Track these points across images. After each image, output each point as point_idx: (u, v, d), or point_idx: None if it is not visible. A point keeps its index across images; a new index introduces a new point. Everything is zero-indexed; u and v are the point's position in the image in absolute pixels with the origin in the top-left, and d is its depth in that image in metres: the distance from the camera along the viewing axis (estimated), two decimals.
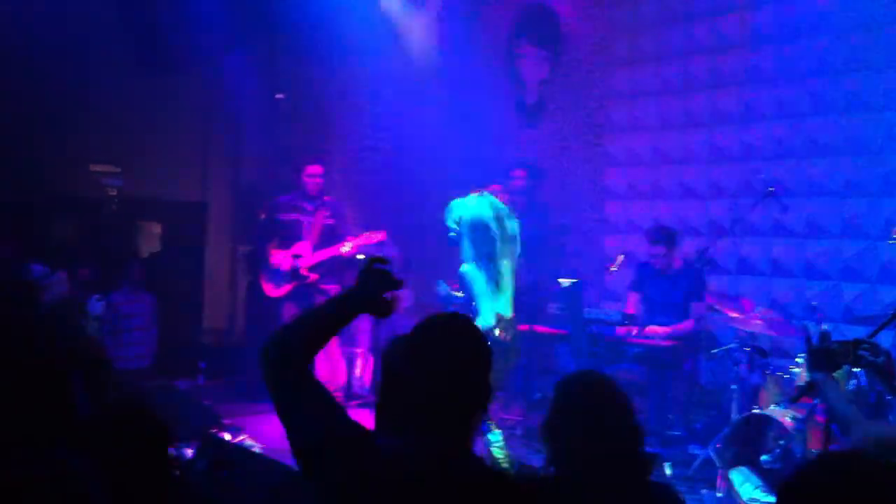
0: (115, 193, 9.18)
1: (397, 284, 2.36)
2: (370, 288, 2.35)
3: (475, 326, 2.34)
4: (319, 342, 2.36)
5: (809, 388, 3.51)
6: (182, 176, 9.64)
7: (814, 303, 5.57)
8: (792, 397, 4.11)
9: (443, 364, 2.19)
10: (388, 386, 2.64)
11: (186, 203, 9.71)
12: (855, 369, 4.59)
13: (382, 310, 2.38)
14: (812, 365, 3.02)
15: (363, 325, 8.39)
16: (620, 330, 6.51)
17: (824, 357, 3.00)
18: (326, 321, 2.37)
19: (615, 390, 2.58)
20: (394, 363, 2.57)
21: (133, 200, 9.14)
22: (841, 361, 3.07)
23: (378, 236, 7.34)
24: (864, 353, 3.02)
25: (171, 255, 9.43)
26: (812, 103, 6.63)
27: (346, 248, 7.22)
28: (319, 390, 2.28)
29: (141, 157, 8.86)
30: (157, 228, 9.79)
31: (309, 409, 2.25)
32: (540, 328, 6.87)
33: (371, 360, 8.21)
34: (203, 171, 9.89)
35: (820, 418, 4.97)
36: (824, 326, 5.21)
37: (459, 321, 2.31)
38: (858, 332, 5.82)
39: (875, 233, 6.22)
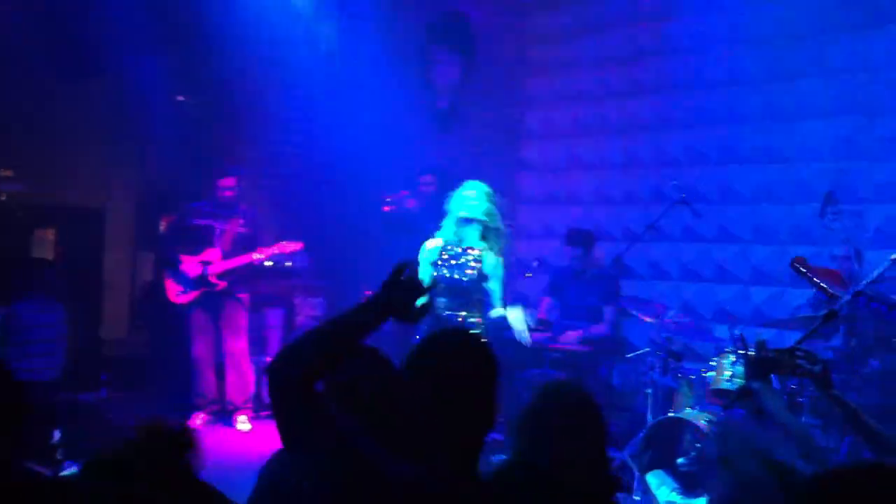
0: (3, 198, 8.79)
1: (425, 291, 2.26)
2: (401, 295, 2.21)
3: (485, 342, 2.27)
4: (340, 355, 2.19)
5: (744, 395, 3.52)
6: (80, 180, 9.28)
7: (728, 308, 5.64)
8: (726, 404, 4.13)
9: (454, 382, 2.10)
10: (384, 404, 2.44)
11: (84, 208, 9.34)
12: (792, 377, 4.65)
13: (413, 317, 2.23)
14: (750, 374, 3.01)
15: (272, 334, 8.20)
16: (536, 336, 6.49)
17: (762, 366, 3.00)
18: (351, 330, 2.19)
19: (595, 410, 2.53)
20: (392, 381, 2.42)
21: (28, 205, 8.75)
22: (778, 370, 3.07)
23: (294, 246, 7.18)
24: (802, 361, 3.02)
25: (68, 263, 9.05)
26: (724, 112, 6.76)
27: (259, 256, 7.04)
28: (328, 412, 2.16)
29: (37, 160, 8.48)
30: (51, 235, 9.40)
31: (319, 436, 2.10)
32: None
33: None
34: (102, 175, 9.54)
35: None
36: (737, 331, 5.29)
37: (469, 337, 2.27)
38: (768, 334, 5.97)
39: (784, 238, 6.36)
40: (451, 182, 8.04)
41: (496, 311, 5.33)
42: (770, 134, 6.50)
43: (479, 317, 5.29)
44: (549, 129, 7.88)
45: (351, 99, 8.92)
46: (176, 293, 7.20)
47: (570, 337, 6.40)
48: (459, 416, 2.11)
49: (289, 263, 8.05)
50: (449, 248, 5.26)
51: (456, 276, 5.26)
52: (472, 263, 5.28)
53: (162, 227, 9.21)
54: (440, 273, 5.25)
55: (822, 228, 5.87)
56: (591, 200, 7.53)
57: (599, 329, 6.35)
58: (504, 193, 8.08)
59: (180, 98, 9.38)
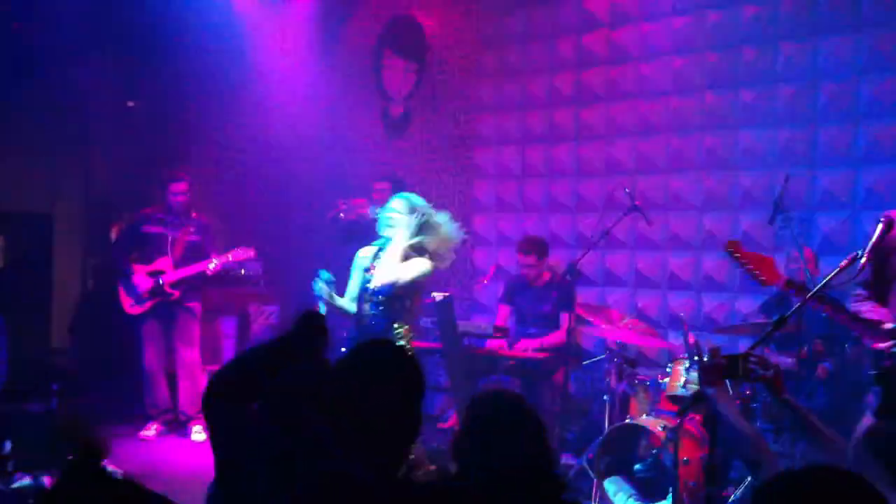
0: None
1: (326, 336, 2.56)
2: (304, 339, 2.52)
3: (408, 353, 2.34)
4: (258, 385, 2.44)
5: (698, 400, 3.58)
6: (27, 186, 9.11)
7: (681, 314, 5.74)
8: (679, 410, 4.19)
9: (375, 394, 2.12)
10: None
11: (31, 214, 9.17)
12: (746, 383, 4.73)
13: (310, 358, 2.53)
14: (704, 379, 3.05)
15: (226, 343, 8.14)
16: (492, 343, 6.55)
17: (715, 371, 3.04)
18: (264, 363, 2.48)
19: (527, 410, 2.51)
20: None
21: None
22: (731, 375, 3.12)
23: (246, 253, 7.13)
24: (754, 367, 3.08)
25: (15, 270, 8.87)
26: (672, 119, 6.86)
27: (212, 265, 6.98)
28: (265, 432, 2.28)
29: None
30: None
31: (252, 461, 2.22)
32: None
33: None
34: (51, 181, 9.37)
35: (689, 426, 5.13)
36: (691, 334, 5.39)
37: (392, 348, 2.33)
38: (719, 340, 6.09)
39: None
40: (405, 189, 8.09)
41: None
42: (715, 142, 6.62)
43: (406, 326, 5.22)
44: (501, 136, 7.92)
45: (303, 105, 8.90)
46: (130, 304, 7.12)
47: (527, 344, 6.46)
48: (381, 427, 2.17)
49: (242, 271, 8.00)
50: (380, 255, 5.18)
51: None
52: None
53: (112, 233, 9.08)
54: (369, 281, 5.14)
55: (771, 236, 6.02)
56: (544, 208, 7.60)
57: (556, 336, 6.41)
58: (458, 201, 8.17)
59: (130, 104, 9.27)
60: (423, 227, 5.09)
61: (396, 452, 2.16)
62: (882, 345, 3.55)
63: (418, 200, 5.16)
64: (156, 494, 2.06)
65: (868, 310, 3.86)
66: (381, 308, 5.10)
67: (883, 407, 3.61)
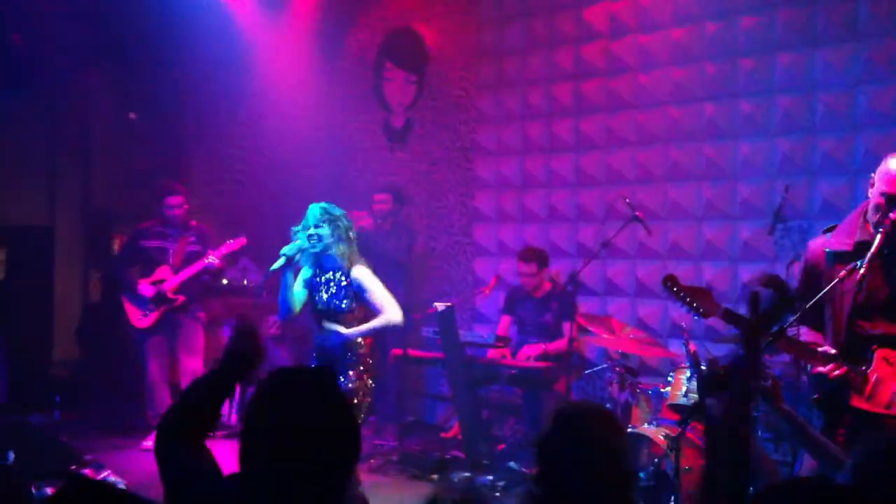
0: None
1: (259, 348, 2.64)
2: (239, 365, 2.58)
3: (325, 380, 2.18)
4: (210, 413, 2.50)
5: (698, 411, 3.62)
6: (27, 199, 9.14)
7: (682, 323, 5.76)
8: (680, 419, 4.22)
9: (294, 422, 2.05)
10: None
11: (31, 227, 9.20)
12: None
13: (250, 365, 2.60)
14: (704, 391, 3.09)
15: None
16: (494, 353, 6.58)
17: (714, 382, 3.08)
18: (211, 388, 2.54)
19: (622, 432, 2.58)
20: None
21: None
22: (730, 386, 3.15)
23: (239, 242, 7.20)
24: None
25: (17, 283, 8.89)
26: (671, 130, 6.90)
27: (210, 259, 7.03)
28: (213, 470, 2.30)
29: None
30: (1, 254, 9.24)
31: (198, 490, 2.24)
32: (413, 352, 6.85)
33: (238, 389, 7.95)
34: (50, 193, 9.41)
35: (692, 435, 5.16)
36: (692, 343, 5.42)
37: (307, 376, 2.17)
38: (720, 349, 6.12)
39: (733, 254, 6.53)
40: (404, 200, 8.15)
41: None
42: (714, 152, 6.66)
43: (367, 338, 5.12)
44: (501, 146, 7.97)
45: (304, 116, 8.95)
46: (138, 317, 7.16)
47: (529, 350, 6.49)
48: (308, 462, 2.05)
49: (245, 282, 8.03)
50: (323, 273, 5.02)
51: (323, 298, 5.01)
52: (332, 285, 5.00)
53: (115, 245, 9.12)
54: (315, 296, 5.03)
55: (771, 245, 6.06)
56: (545, 218, 7.63)
57: (559, 345, 6.43)
58: (459, 212, 8.22)
59: (131, 116, 9.31)
60: (348, 235, 4.98)
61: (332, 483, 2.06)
62: (822, 368, 3.57)
63: (336, 210, 5.03)
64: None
65: (804, 333, 3.90)
66: (336, 322, 4.97)
67: (826, 429, 3.64)
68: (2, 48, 7.92)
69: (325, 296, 5.00)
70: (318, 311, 5.05)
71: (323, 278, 5.02)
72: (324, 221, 4.94)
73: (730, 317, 3.62)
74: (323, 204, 5.02)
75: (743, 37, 6.55)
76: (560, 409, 2.62)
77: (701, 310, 3.65)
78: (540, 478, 2.48)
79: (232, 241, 7.15)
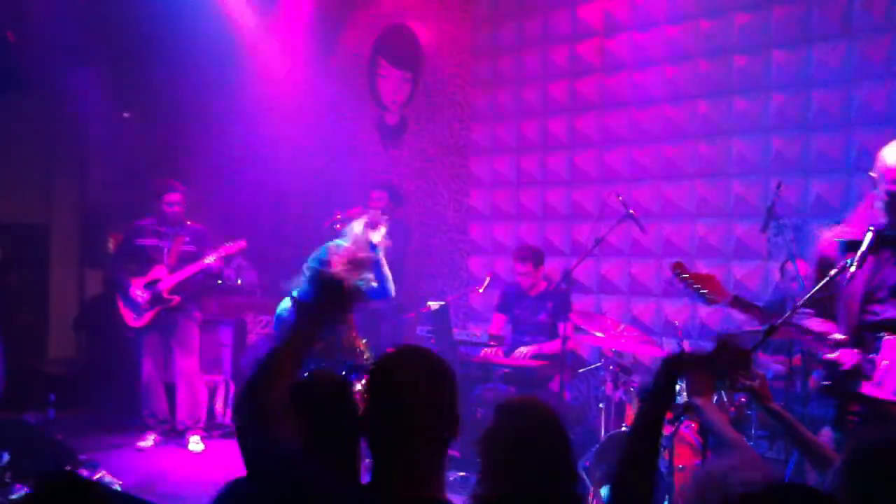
0: None
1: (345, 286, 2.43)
2: (326, 296, 2.41)
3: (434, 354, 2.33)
4: (291, 375, 2.34)
5: (687, 410, 3.61)
6: (22, 197, 9.14)
7: (676, 322, 5.77)
8: (672, 418, 4.22)
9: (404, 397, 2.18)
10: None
11: (27, 225, 9.20)
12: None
13: (344, 311, 2.48)
14: (691, 390, 3.08)
15: (224, 352, 8.15)
16: (487, 351, 6.57)
17: (703, 382, 3.06)
18: (294, 348, 2.35)
19: (561, 426, 2.53)
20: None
21: None
22: (718, 385, 3.15)
23: (238, 245, 7.19)
24: (740, 376, 3.11)
25: (12, 281, 8.90)
26: (665, 127, 6.90)
27: (209, 259, 7.01)
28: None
29: None
30: None
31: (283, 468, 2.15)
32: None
33: (233, 388, 7.97)
34: (46, 191, 9.41)
35: (685, 433, 5.16)
36: (686, 344, 5.43)
37: (418, 352, 2.32)
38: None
39: (727, 253, 6.53)
40: (400, 197, 8.14)
41: None
42: (708, 150, 6.66)
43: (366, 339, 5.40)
44: (496, 144, 7.96)
45: (298, 115, 8.94)
46: (132, 318, 7.13)
47: (523, 353, 6.48)
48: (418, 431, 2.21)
49: (239, 281, 8.03)
50: None
51: None
52: None
53: (110, 244, 9.11)
54: None
55: (765, 243, 6.05)
56: (539, 215, 7.63)
57: (553, 345, 6.42)
58: (454, 209, 8.21)
59: (126, 115, 9.29)
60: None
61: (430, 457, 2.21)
62: (832, 355, 3.59)
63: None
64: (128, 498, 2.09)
65: (815, 324, 3.91)
66: None
67: (837, 419, 3.65)
68: (1, 54, 7.90)
69: None
70: None
71: None
72: None
73: (739, 303, 3.62)
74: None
75: (737, 34, 6.54)
76: (500, 404, 2.63)
77: (709, 296, 3.65)
78: (482, 476, 2.48)
79: (231, 243, 7.13)
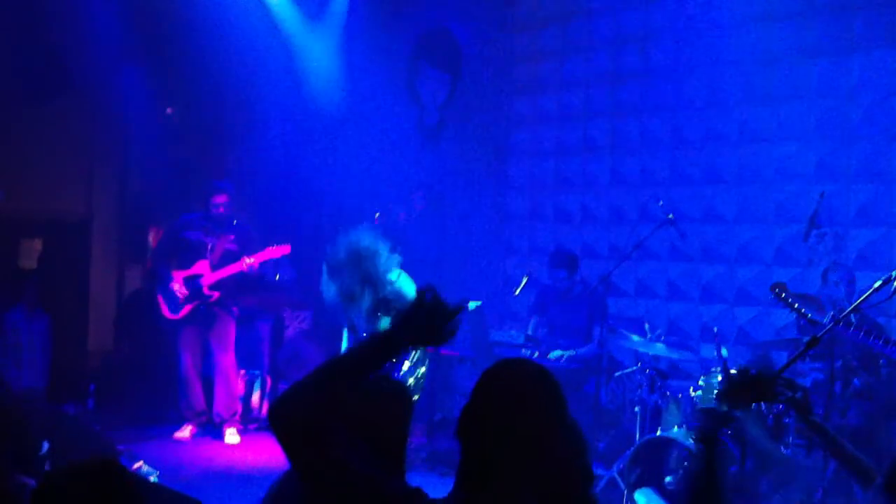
0: None
1: (454, 312, 2.13)
2: (427, 321, 2.11)
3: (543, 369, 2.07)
4: (346, 391, 2.09)
5: (726, 420, 3.60)
6: (65, 191, 9.27)
7: (714, 327, 5.74)
8: (710, 430, 4.20)
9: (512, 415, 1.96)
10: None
11: (69, 219, 9.33)
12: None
13: (443, 340, 2.15)
14: (732, 402, 3.06)
15: (260, 347, 8.22)
16: (523, 353, 6.58)
17: (744, 394, 3.05)
18: (365, 367, 2.12)
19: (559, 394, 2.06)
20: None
21: (13, 216, 8.72)
22: (759, 398, 3.14)
23: (282, 250, 7.22)
24: (782, 388, 3.10)
25: (53, 273, 9.03)
26: (706, 133, 6.87)
27: (249, 261, 7.07)
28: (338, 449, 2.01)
29: (22, 171, 8.47)
30: (37, 245, 9.39)
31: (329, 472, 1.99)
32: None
33: (269, 382, 8.04)
34: (88, 186, 9.53)
35: (723, 441, 5.14)
36: (724, 352, 5.39)
37: (528, 366, 2.09)
38: (752, 354, 6.08)
39: (767, 258, 6.49)
40: (439, 198, 8.19)
41: None
42: (750, 156, 6.63)
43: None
44: (535, 146, 7.97)
45: (339, 114, 8.99)
46: (169, 310, 7.22)
47: (559, 355, 6.48)
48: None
49: (277, 277, 8.08)
50: None
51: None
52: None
53: (151, 238, 9.21)
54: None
55: (806, 250, 6.01)
56: (578, 218, 7.63)
57: (589, 348, 6.42)
58: (491, 210, 8.24)
59: (168, 110, 9.40)
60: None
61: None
62: None
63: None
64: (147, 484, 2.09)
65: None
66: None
67: None
68: (45, 51, 8.02)
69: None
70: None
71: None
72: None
73: (840, 322, 3.62)
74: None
75: (781, 41, 6.50)
76: (486, 371, 2.12)
77: (810, 316, 3.67)
78: (463, 458, 2.04)
79: (275, 247, 7.16)
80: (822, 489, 4.57)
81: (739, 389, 3.02)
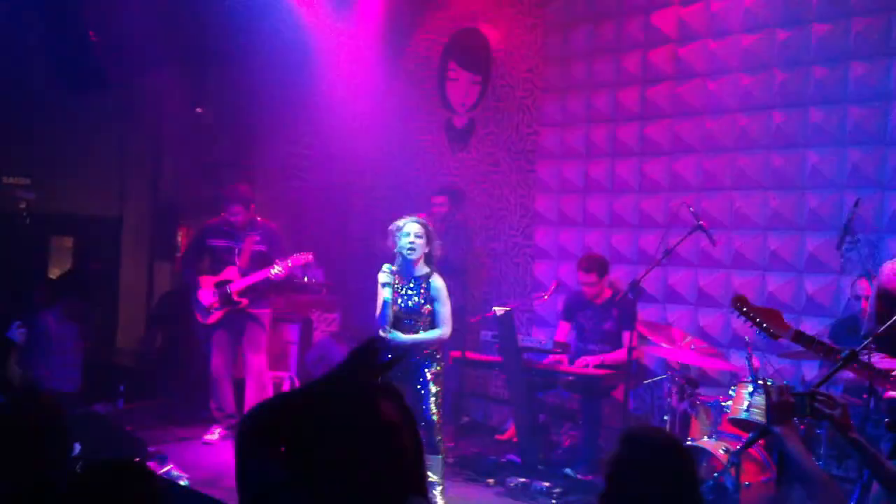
0: (24, 206, 8.85)
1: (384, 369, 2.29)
2: (366, 365, 2.25)
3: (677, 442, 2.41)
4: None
5: (763, 436, 3.57)
6: (97, 190, 9.36)
7: (746, 337, 5.69)
8: (745, 444, 4.18)
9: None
10: None
11: (101, 218, 9.42)
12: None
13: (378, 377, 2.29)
14: (772, 419, 3.04)
15: (290, 349, 8.27)
16: (552, 359, 6.58)
17: (783, 410, 3.04)
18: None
19: (693, 465, 2.53)
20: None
21: (44, 215, 8.82)
22: (798, 414, 3.12)
23: (305, 257, 7.25)
24: (821, 405, 3.08)
25: (84, 272, 9.12)
26: (738, 137, 6.81)
27: (275, 270, 7.10)
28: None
29: (55, 169, 8.56)
30: (68, 243, 9.48)
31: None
32: (472, 355, 6.87)
33: (298, 384, 8.08)
34: (119, 185, 9.61)
35: (752, 450, 5.10)
36: (755, 360, 5.36)
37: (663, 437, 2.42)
38: (783, 364, 6.03)
39: (799, 266, 6.43)
40: (462, 200, 8.18)
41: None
42: (782, 161, 6.56)
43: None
44: (564, 150, 7.93)
45: (367, 115, 9.00)
46: (201, 315, 7.27)
47: (588, 361, 6.47)
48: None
49: (305, 279, 8.11)
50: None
51: (409, 304, 5.50)
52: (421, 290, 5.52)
53: (180, 238, 9.28)
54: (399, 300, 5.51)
55: (839, 258, 5.94)
56: (606, 223, 7.58)
57: (619, 355, 6.39)
58: (519, 214, 8.21)
59: (199, 110, 9.45)
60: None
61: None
62: (894, 393, 3.55)
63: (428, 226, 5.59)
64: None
65: (878, 360, 3.85)
66: (416, 326, 5.52)
67: (893, 452, 3.60)
68: (79, 50, 8.08)
69: (409, 302, 5.49)
70: (397, 314, 5.50)
71: (412, 283, 5.51)
72: (422, 235, 5.48)
73: (800, 339, 3.59)
74: (422, 220, 5.59)
75: (815, 44, 6.43)
76: (630, 433, 2.59)
77: (771, 331, 3.64)
78: (608, 500, 2.47)
79: (299, 255, 7.20)
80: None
81: (778, 406, 3.01)
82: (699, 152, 7.04)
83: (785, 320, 3.68)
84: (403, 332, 5.47)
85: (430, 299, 5.47)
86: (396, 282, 5.51)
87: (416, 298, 5.48)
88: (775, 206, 6.58)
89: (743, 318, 3.73)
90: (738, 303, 3.76)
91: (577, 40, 7.89)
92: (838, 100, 6.31)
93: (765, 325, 3.66)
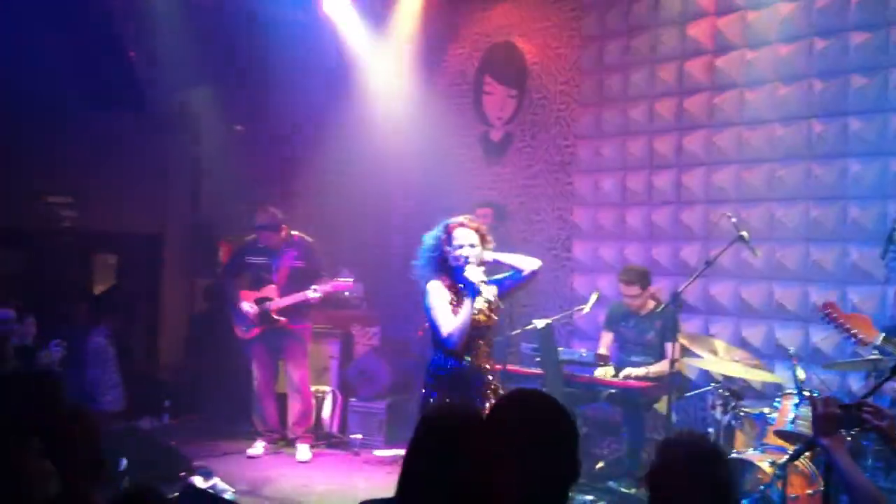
0: (68, 225, 8.99)
1: None
2: None
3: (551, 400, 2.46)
4: None
5: (810, 448, 3.56)
6: (138, 208, 9.48)
7: (790, 348, 5.68)
8: (791, 457, 4.17)
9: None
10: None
11: (142, 235, 9.55)
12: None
13: None
14: (818, 430, 3.04)
15: (331, 364, 8.34)
16: (596, 372, 6.57)
17: (830, 422, 3.03)
18: None
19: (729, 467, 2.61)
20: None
21: (87, 232, 8.96)
22: (846, 426, 3.10)
23: (345, 285, 7.31)
24: (868, 416, 3.06)
25: (127, 289, 9.26)
26: (776, 148, 6.79)
27: (313, 294, 7.16)
28: None
29: (96, 188, 8.70)
30: (111, 260, 9.62)
31: None
32: (512, 368, 6.88)
33: (339, 399, 8.15)
34: (161, 202, 9.74)
35: (799, 463, 5.07)
36: (801, 373, 5.33)
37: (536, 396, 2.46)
38: (828, 375, 5.99)
39: (840, 276, 6.39)
40: (505, 214, 8.20)
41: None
42: (822, 172, 6.53)
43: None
44: (601, 162, 7.95)
45: (404, 129, 9.07)
46: (241, 331, 7.37)
47: (631, 373, 6.46)
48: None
49: (346, 293, 8.19)
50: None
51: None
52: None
53: (221, 253, 9.39)
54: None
55: (882, 268, 5.91)
56: (645, 235, 7.58)
57: (662, 366, 6.39)
58: (557, 227, 8.23)
59: (238, 128, 9.57)
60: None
61: None
62: None
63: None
64: None
65: None
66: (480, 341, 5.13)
67: None
68: (120, 70, 8.23)
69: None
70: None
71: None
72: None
73: (891, 343, 3.59)
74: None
75: (853, 53, 6.40)
76: (668, 441, 2.67)
77: (860, 337, 3.66)
78: None
79: (341, 281, 7.26)
80: None
81: (824, 417, 3.00)
82: (737, 163, 7.03)
83: (873, 326, 3.69)
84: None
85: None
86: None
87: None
88: (816, 217, 6.55)
89: (833, 325, 3.75)
90: (828, 309, 3.78)
91: (613, 52, 7.92)
92: (877, 109, 6.28)
93: (854, 330, 3.68)
